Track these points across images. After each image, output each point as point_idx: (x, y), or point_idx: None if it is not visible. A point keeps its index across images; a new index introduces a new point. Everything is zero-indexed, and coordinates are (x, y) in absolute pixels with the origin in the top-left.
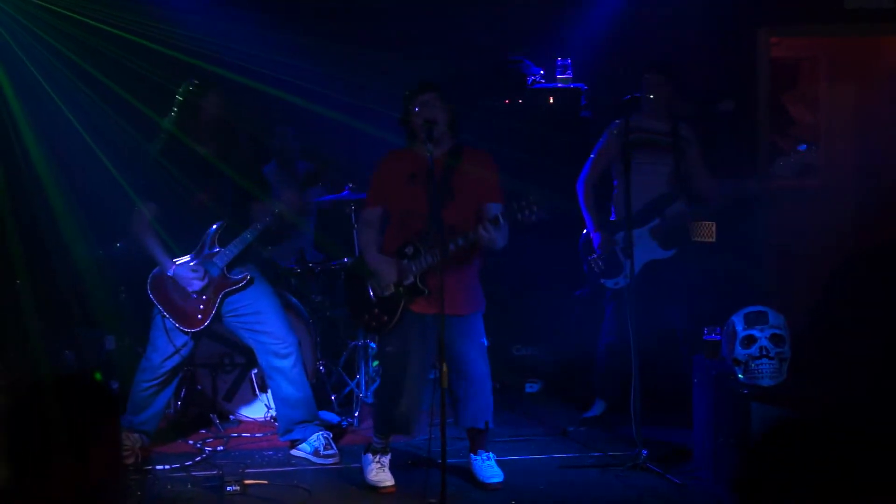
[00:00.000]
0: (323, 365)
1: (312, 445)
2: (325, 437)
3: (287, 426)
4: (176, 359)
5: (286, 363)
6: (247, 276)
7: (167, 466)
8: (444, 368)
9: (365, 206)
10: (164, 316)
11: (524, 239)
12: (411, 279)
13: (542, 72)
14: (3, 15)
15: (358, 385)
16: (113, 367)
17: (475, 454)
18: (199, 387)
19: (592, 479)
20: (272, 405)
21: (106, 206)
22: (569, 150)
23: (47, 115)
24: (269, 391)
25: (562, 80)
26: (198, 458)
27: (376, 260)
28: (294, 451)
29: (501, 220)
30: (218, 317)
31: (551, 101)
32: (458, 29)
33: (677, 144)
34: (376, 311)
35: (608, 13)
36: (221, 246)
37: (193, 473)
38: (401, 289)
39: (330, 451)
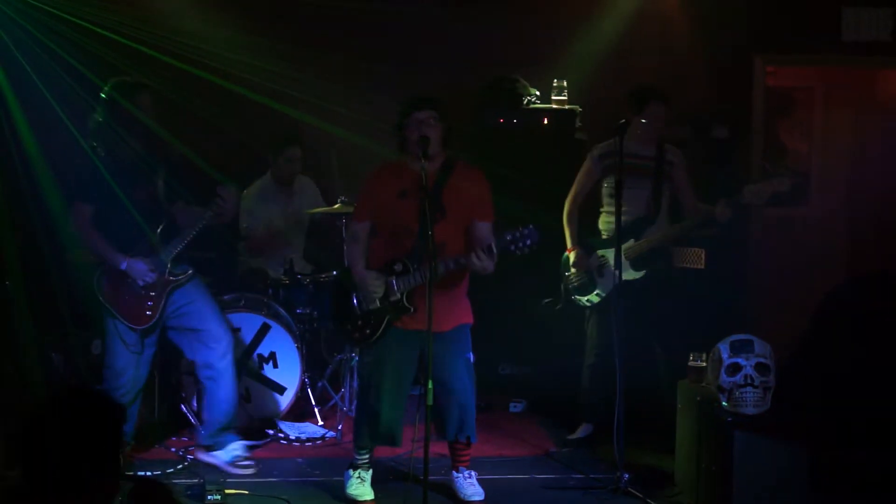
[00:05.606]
0: (308, 377)
1: (231, 454)
2: (243, 447)
3: (212, 429)
4: (133, 360)
5: (223, 363)
6: (188, 270)
7: (149, 473)
8: (430, 385)
9: (353, 220)
10: (114, 316)
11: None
12: (397, 296)
13: (537, 93)
14: (3, 17)
15: (342, 398)
16: (99, 372)
17: (457, 471)
18: (182, 394)
19: (574, 501)
20: (206, 408)
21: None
22: (562, 171)
23: (44, 116)
24: (204, 393)
25: (557, 102)
26: (179, 466)
27: (363, 274)
28: (205, 456)
29: (494, 248)
30: (161, 322)
31: (546, 121)
32: (455, 47)
33: (661, 168)
34: (360, 323)
35: (605, 37)
36: (164, 243)
37: (175, 481)
38: (387, 304)
39: (248, 462)
